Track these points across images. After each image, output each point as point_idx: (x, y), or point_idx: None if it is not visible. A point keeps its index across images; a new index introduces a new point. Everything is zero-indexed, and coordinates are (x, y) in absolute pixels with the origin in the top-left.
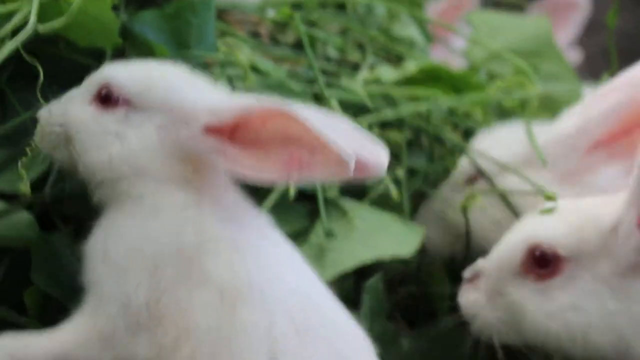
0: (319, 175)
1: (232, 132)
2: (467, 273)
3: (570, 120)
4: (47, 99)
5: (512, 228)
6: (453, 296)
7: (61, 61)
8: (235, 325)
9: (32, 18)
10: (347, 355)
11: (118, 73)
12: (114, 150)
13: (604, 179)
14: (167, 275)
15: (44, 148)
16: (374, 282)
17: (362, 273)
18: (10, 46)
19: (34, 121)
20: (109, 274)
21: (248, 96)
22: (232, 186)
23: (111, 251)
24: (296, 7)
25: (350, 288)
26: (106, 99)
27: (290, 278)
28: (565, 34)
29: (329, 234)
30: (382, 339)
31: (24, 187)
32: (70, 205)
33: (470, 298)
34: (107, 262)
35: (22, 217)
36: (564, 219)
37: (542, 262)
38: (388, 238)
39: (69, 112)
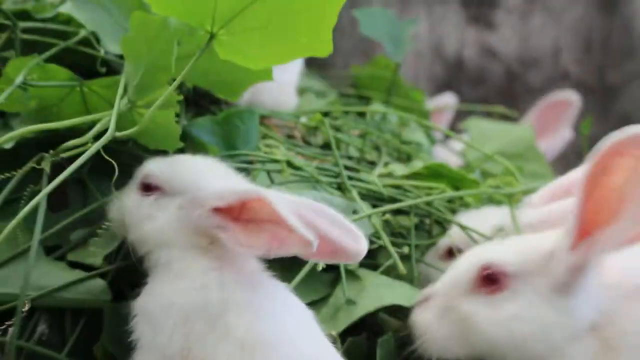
0: (294, 252)
1: (239, 212)
2: (419, 297)
3: (534, 212)
4: (119, 187)
5: (462, 257)
6: None
7: (130, 157)
8: None
9: (112, 125)
10: None
11: (155, 165)
12: (145, 228)
13: None
14: (196, 328)
15: (114, 228)
16: (386, 338)
17: (377, 333)
18: (94, 149)
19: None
20: (148, 329)
21: (246, 184)
22: (253, 258)
23: (149, 309)
24: (324, 114)
25: (363, 344)
26: (145, 186)
27: (300, 340)
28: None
29: (350, 302)
30: None
31: (97, 261)
32: (135, 276)
33: (423, 316)
34: (146, 319)
35: (97, 284)
36: (511, 244)
37: (491, 279)
38: (392, 292)
39: (124, 199)
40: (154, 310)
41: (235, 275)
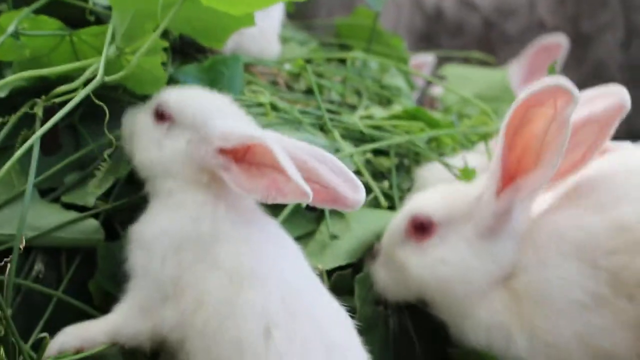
0: (291, 200)
1: (244, 154)
2: (369, 252)
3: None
4: (110, 132)
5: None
6: None
7: (120, 104)
8: (240, 302)
9: (101, 71)
10: (328, 329)
11: (171, 94)
12: (152, 154)
13: None
14: (187, 257)
15: (124, 141)
16: (363, 276)
17: (360, 267)
18: (83, 93)
19: (100, 150)
20: (142, 255)
21: (254, 127)
22: (247, 198)
23: (144, 235)
24: (307, 61)
25: (348, 279)
26: (159, 114)
27: (287, 271)
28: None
29: (333, 237)
30: (371, 320)
31: (92, 201)
32: (128, 215)
33: (373, 267)
34: (141, 245)
35: (91, 224)
36: (439, 193)
37: (419, 228)
38: (375, 224)
39: (137, 118)
40: (149, 237)
41: (228, 210)
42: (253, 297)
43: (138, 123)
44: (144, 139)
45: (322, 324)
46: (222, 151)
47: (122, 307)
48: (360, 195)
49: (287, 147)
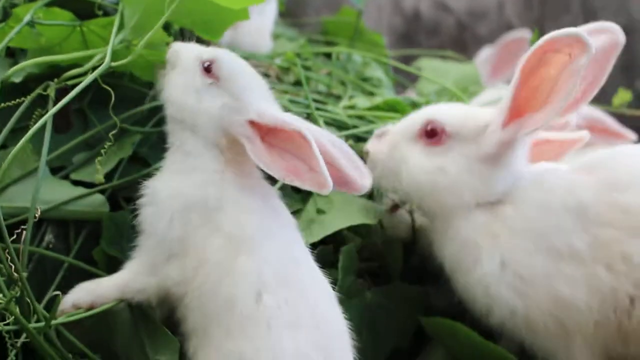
0: (306, 187)
1: (267, 132)
2: (377, 131)
3: None
4: (116, 115)
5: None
6: (405, 265)
7: (125, 89)
8: (236, 265)
9: (108, 57)
10: (315, 298)
11: (224, 57)
12: (189, 101)
13: None
14: (193, 219)
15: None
16: (348, 248)
17: (341, 242)
18: (91, 77)
19: (107, 131)
20: (153, 212)
21: (290, 115)
22: (256, 168)
23: (157, 193)
24: (296, 55)
25: (330, 252)
26: (207, 68)
27: (283, 241)
28: None
29: (320, 211)
30: (351, 290)
31: (99, 178)
32: (131, 191)
33: (377, 147)
34: (153, 202)
35: (97, 198)
36: (458, 109)
37: (431, 133)
38: (358, 211)
39: (185, 54)
40: (161, 197)
41: (235, 179)
42: (249, 262)
43: (185, 60)
44: (184, 81)
45: (310, 293)
46: (252, 124)
47: (131, 264)
48: (367, 180)
49: (313, 132)
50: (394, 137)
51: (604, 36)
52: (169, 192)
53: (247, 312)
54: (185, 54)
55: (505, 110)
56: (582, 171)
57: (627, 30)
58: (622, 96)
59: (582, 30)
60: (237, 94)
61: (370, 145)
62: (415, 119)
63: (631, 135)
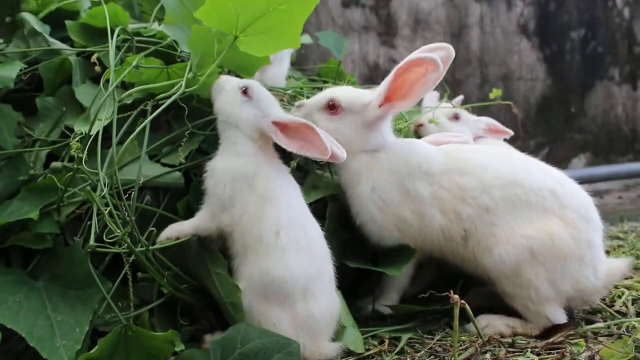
0: (313, 156)
1: (284, 127)
2: (297, 103)
3: None
4: (189, 123)
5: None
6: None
7: (194, 107)
8: (264, 213)
9: (183, 85)
10: (312, 235)
11: (254, 84)
12: (235, 111)
13: None
14: (239, 185)
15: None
16: (332, 205)
17: (325, 203)
18: (173, 98)
19: (183, 133)
20: (213, 182)
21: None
22: (276, 154)
23: (215, 169)
24: (300, 89)
25: (320, 209)
26: (244, 90)
27: (292, 199)
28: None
29: (315, 187)
30: (331, 232)
31: (181, 159)
32: (198, 170)
33: (296, 114)
34: (213, 175)
35: (177, 175)
36: (350, 91)
37: (332, 107)
38: (335, 186)
39: (227, 85)
40: (218, 171)
41: (264, 159)
42: (271, 212)
43: (230, 87)
44: (231, 98)
45: (309, 232)
46: (274, 123)
47: (200, 214)
48: (344, 154)
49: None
50: (307, 108)
51: (440, 52)
52: (223, 168)
53: (270, 243)
54: (230, 83)
55: (381, 95)
56: (441, 152)
57: None
58: (495, 92)
59: (435, 56)
60: (263, 107)
61: (292, 113)
62: (322, 97)
63: (509, 131)
